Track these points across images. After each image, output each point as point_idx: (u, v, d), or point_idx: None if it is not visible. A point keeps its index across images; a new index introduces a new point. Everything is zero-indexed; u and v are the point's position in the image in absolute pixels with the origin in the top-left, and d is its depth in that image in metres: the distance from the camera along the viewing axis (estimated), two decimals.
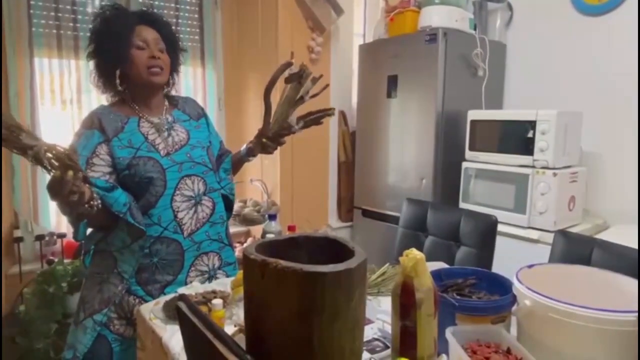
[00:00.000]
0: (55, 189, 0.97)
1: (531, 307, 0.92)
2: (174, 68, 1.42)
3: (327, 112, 1.39)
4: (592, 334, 0.85)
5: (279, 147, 1.47)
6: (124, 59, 1.28)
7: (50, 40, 2.18)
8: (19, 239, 2.08)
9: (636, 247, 1.27)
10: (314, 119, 1.39)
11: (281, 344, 0.71)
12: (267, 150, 1.44)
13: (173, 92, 1.50)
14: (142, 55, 1.29)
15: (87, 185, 1.08)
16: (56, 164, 0.93)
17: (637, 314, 0.83)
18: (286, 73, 1.31)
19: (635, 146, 2.13)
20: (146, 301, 1.28)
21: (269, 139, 1.40)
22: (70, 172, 0.94)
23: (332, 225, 2.86)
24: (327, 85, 1.36)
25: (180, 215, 1.31)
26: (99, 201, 1.14)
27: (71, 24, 2.22)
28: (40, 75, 2.18)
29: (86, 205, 1.08)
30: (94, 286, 1.30)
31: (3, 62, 2.06)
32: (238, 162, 1.54)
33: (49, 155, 0.92)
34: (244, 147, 1.51)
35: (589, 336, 0.86)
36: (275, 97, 1.36)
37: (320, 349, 0.69)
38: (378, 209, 2.66)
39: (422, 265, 0.83)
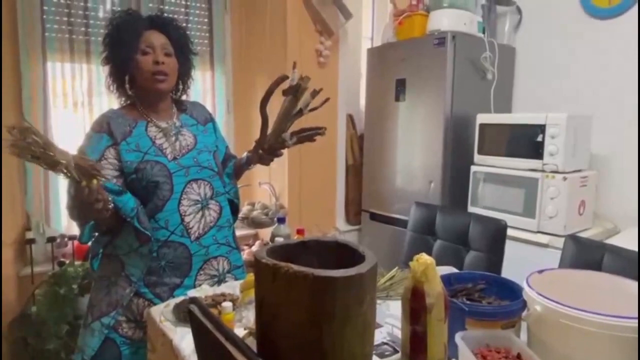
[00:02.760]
0: (82, 198, 1.03)
1: (542, 312, 0.92)
2: (184, 72, 1.42)
3: (318, 132, 1.39)
4: (604, 341, 0.85)
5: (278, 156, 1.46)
6: (130, 65, 1.29)
7: (63, 44, 2.20)
8: (31, 241, 2.10)
9: None
10: (307, 136, 1.39)
11: (292, 348, 0.71)
12: (263, 161, 1.44)
13: (183, 97, 1.50)
14: (146, 60, 1.29)
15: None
16: (81, 174, 1.00)
17: (637, 319, 0.82)
18: (287, 84, 1.30)
19: None
20: (155, 304, 1.28)
21: (264, 151, 1.40)
22: (95, 181, 1.02)
23: (340, 229, 2.86)
24: (328, 99, 1.34)
25: (187, 219, 1.32)
26: (112, 205, 1.16)
27: (83, 29, 2.24)
28: (52, 79, 2.21)
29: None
30: (102, 289, 1.31)
31: (17, 66, 2.09)
32: (239, 169, 1.55)
33: (74, 165, 0.99)
34: (244, 155, 1.52)
35: (600, 343, 0.85)
36: (277, 108, 1.35)
37: (331, 354, 0.69)
38: (386, 212, 2.66)
39: (432, 270, 0.83)
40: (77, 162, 1.00)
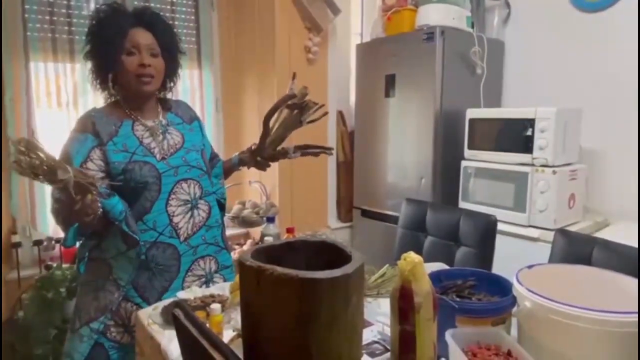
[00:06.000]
0: (73, 209, 1.03)
1: (531, 308, 0.92)
2: (171, 72, 1.38)
3: (325, 151, 1.44)
4: (594, 336, 0.84)
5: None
6: (115, 64, 1.26)
7: (46, 44, 2.17)
8: (17, 244, 2.07)
9: (636, 245, 1.26)
10: (312, 152, 1.43)
11: (279, 351, 0.70)
12: (260, 168, 1.47)
13: (168, 95, 1.47)
14: (132, 61, 1.25)
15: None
16: (77, 190, 1.01)
17: (637, 315, 0.82)
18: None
19: (635, 143, 2.12)
20: (143, 308, 1.26)
21: (264, 159, 1.43)
22: (90, 196, 1.04)
23: (332, 226, 2.85)
24: (326, 113, 1.38)
25: (175, 219, 1.30)
26: (101, 209, 1.14)
27: (66, 28, 2.21)
28: (36, 79, 2.17)
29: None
30: (89, 293, 1.29)
31: None
32: (229, 170, 1.55)
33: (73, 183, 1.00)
34: (235, 155, 1.51)
35: (590, 338, 0.85)
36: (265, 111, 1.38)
37: (318, 356, 0.68)
38: (377, 209, 2.65)
39: (420, 268, 0.82)
40: (77, 180, 1.00)
